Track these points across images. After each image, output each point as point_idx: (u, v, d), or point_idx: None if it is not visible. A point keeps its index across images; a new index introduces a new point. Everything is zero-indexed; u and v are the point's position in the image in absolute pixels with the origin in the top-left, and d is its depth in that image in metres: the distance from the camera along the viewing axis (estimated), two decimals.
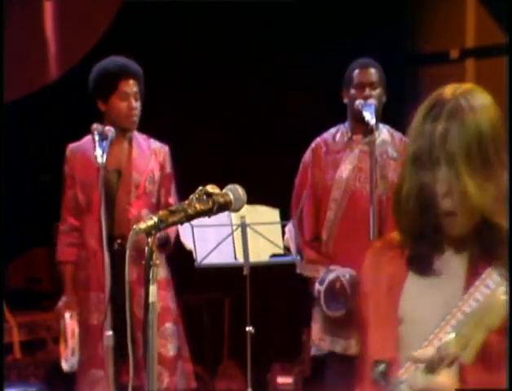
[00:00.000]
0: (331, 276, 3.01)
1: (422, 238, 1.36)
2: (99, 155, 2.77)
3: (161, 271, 3.02)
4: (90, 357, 2.90)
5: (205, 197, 1.36)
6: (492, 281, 1.29)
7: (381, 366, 1.32)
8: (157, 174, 3.06)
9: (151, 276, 1.23)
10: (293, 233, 3.01)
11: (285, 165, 3.25)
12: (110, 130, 2.85)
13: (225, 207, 1.39)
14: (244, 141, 4.63)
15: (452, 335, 1.22)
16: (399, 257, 1.40)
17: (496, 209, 1.30)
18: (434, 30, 5.31)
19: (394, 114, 3.21)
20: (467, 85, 1.40)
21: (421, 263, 1.37)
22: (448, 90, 1.38)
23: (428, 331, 1.29)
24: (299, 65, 4.54)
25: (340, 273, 2.99)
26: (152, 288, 1.21)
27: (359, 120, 3.02)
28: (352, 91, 3.07)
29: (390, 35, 4.87)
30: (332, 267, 3.04)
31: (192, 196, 1.36)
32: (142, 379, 1.43)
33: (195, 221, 2.72)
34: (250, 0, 4.30)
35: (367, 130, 2.95)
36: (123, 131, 3.00)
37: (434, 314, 1.30)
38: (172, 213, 1.31)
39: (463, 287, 1.33)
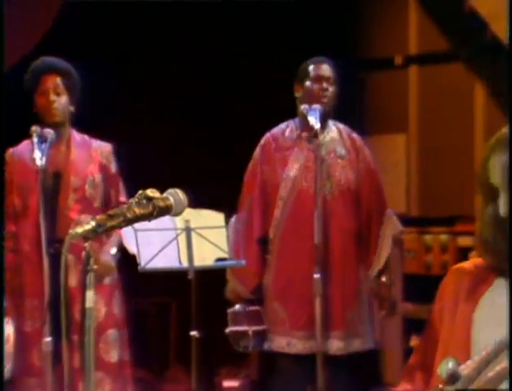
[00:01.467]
0: (236, 327, 3.03)
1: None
2: (38, 158, 2.72)
3: (108, 277, 2.98)
4: (23, 364, 2.84)
5: (144, 201, 1.35)
6: None
7: (451, 363, 1.27)
8: (99, 177, 3.00)
9: (88, 281, 1.21)
10: (233, 230, 3.02)
11: (231, 169, 3.25)
12: (49, 132, 2.80)
13: (165, 211, 1.38)
14: (189, 144, 4.62)
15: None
16: (478, 281, 1.46)
17: None
18: (378, 37, 5.40)
19: (339, 119, 3.25)
20: None
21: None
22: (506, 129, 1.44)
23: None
24: (246, 67, 4.56)
25: (248, 327, 3.02)
26: (89, 294, 1.20)
27: (305, 122, 3.05)
28: (308, 83, 3.08)
29: (335, 41, 4.93)
30: (249, 308, 3.07)
31: (131, 200, 1.35)
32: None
33: (138, 225, 2.76)
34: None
35: (312, 130, 2.98)
36: (58, 131, 2.93)
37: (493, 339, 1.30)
38: (111, 217, 1.30)
39: None
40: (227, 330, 3.09)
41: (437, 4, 5.14)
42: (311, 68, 3.11)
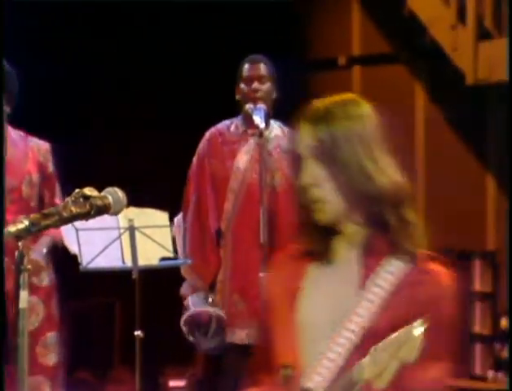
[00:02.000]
0: (200, 308, 3.03)
1: (313, 232, 1.43)
2: None
3: (45, 278, 2.92)
4: None
5: (81, 200, 1.33)
6: (392, 266, 1.37)
7: (286, 371, 1.37)
8: (36, 176, 2.92)
9: (21, 281, 1.19)
10: (182, 229, 3.00)
11: (176, 166, 3.24)
12: None
13: (103, 210, 1.36)
14: (131, 142, 4.59)
15: (367, 360, 1.27)
16: (298, 265, 1.46)
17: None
18: (322, 37, 5.46)
19: (284, 119, 3.28)
20: (340, 96, 1.49)
21: (318, 256, 1.43)
22: (321, 100, 1.47)
23: (317, 338, 1.36)
24: (187, 66, 4.55)
25: (212, 310, 3.01)
26: (23, 294, 1.18)
27: (249, 121, 3.06)
28: (242, 85, 3.10)
29: (280, 42, 4.96)
30: (210, 298, 3.06)
31: (67, 199, 1.33)
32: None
33: (80, 225, 2.72)
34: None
35: (257, 129, 2.99)
36: None
37: (324, 322, 1.37)
38: (45, 216, 1.28)
39: (358, 281, 1.39)
40: (186, 315, 3.05)
41: (378, 7, 5.23)
42: (243, 69, 3.13)
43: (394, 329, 1.30)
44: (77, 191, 1.34)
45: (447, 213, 4.99)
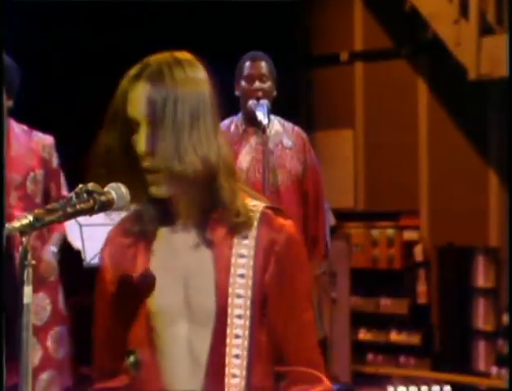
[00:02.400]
0: None
1: (148, 208, 1.33)
2: None
3: (52, 274, 2.92)
4: None
5: (85, 195, 1.32)
6: (243, 233, 1.29)
7: (132, 357, 1.32)
8: (40, 172, 2.90)
9: (25, 277, 1.19)
10: None
11: None
12: None
13: (107, 205, 1.35)
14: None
15: None
16: (136, 247, 1.36)
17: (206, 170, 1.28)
18: (325, 33, 5.45)
19: (287, 114, 3.27)
20: (184, 55, 1.35)
21: (153, 238, 1.34)
22: (156, 57, 1.33)
23: (172, 319, 1.30)
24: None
25: None
26: (27, 289, 1.17)
27: (252, 118, 3.06)
28: (243, 83, 3.09)
29: (283, 37, 4.95)
30: None
31: (71, 194, 1.32)
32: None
33: (83, 221, 2.71)
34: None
35: (260, 125, 2.99)
36: None
37: (176, 301, 1.31)
38: (49, 211, 1.27)
39: (210, 257, 1.31)
40: None
41: (380, 2, 5.22)
42: (244, 66, 3.11)
43: (266, 288, 1.30)
44: (80, 186, 1.33)
45: (450, 209, 4.99)
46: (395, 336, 5.13)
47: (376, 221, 5.27)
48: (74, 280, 3.18)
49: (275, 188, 3.05)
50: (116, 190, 1.35)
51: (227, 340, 1.28)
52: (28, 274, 1.17)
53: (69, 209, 1.29)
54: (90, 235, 2.82)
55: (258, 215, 1.33)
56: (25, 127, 2.93)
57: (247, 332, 1.29)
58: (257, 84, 3.06)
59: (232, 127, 3.18)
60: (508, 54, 4.12)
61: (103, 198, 1.33)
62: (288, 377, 1.34)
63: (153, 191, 1.31)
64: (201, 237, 1.33)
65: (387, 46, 5.22)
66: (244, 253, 1.30)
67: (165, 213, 1.35)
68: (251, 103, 3.06)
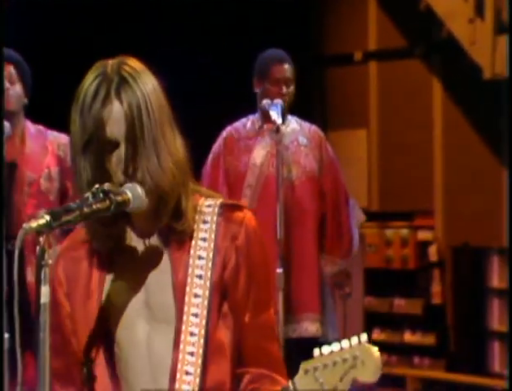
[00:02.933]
0: None
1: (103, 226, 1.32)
2: None
3: None
4: None
5: (101, 195, 1.33)
6: (202, 232, 1.30)
7: (85, 368, 1.31)
8: (55, 170, 2.93)
9: (42, 276, 1.19)
10: None
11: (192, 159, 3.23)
12: (6, 126, 2.74)
13: (123, 205, 1.36)
14: None
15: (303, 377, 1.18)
16: (92, 253, 1.36)
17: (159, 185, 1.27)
18: (339, 33, 5.44)
19: (300, 114, 3.27)
20: (133, 62, 1.32)
21: (107, 254, 1.33)
22: (109, 66, 1.30)
23: (132, 321, 1.30)
24: (204, 62, 4.55)
25: None
26: (44, 289, 1.18)
27: (267, 116, 3.05)
28: (267, 85, 3.07)
29: (297, 36, 4.95)
30: None
31: (88, 194, 1.33)
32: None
33: None
34: None
35: (274, 124, 2.98)
36: (12, 122, 2.83)
37: (136, 302, 1.30)
38: (66, 211, 1.27)
39: (167, 261, 1.31)
40: None
41: (394, 1, 5.20)
42: (271, 69, 3.10)
43: (226, 283, 1.30)
44: (96, 186, 1.34)
45: (464, 209, 4.96)
46: (409, 337, 5.10)
47: (390, 221, 5.25)
48: None
49: (290, 183, 3.04)
50: (133, 190, 1.35)
51: (182, 337, 1.28)
52: (45, 273, 1.18)
53: (86, 209, 1.29)
54: None
55: (214, 216, 1.33)
56: (41, 127, 2.96)
57: (203, 331, 1.28)
58: (284, 89, 3.06)
59: (249, 124, 3.18)
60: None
61: (119, 198, 1.33)
62: (244, 378, 1.33)
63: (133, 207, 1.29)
64: (158, 239, 1.34)
65: (401, 46, 5.20)
66: (202, 255, 1.31)
67: (120, 220, 1.34)
68: (265, 102, 3.05)
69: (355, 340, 1.18)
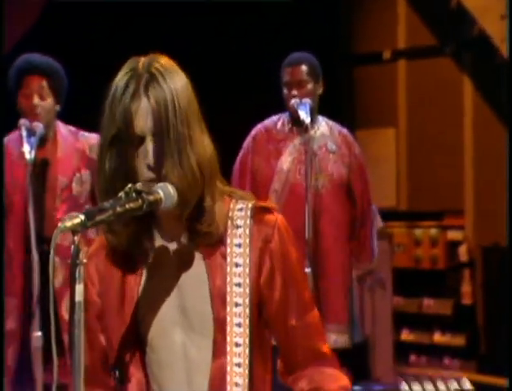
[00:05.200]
0: None
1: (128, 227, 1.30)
2: (27, 152, 2.67)
3: None
4: None
5: (134, 195, 1.34)
6: (237, 239, 1.30)
7: (118, 372, 1.31)
8: (86, 173, 2.93)
9: (77, 275, 1.20)
10: None
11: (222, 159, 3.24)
12: (38, 126, 2.75)
13: (155, 205, 1.37)
14: None
15: None
16: (126, 257, 1.35)
17: (187, 188, 1.27)
18: (367, 31, 5.41)
19: (329, 113, 3.26)
20: (165, 60, 1.32)
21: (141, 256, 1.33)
22: (140, 63, 1.30)
23: (167, 327, 1.29)
24: (234, 60, 4.56)
25: None
26: (79, 287, 1.19)
27: (296, 117, 3.05)
28: (283, 89, 3.09)
29: (325, 35, 4.93)
30: None
31: (121, 194, 1.34)
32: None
33: None
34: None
35: (303, 124, 2.97)
36: (46, 128, 2.85)
37: (171, 309, 1.30)
38: (100, 211, 1.29)
39: (202, 268, 1.31)
40: None
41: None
42: (284, 72, 3.10)
43: (263, 294, 1.29)
44: (129, 185, 1.35)
45: (495, 208, 4.90)
46: (438, 338, 5.06)
47: (419, 221, 5.21)
48: None
49: (316, 191, 3.03)
50: (164, 189, 1.36)
51: (228, 349, 1.28)
52: (79, 272, 1.19)
53: (119, 209, 1.30)
54: None
55: (247, 219, 1.32)
56: (72, 128, 2.97)
57: (247, 340, 1.28)
58: (294, 92, 3.05)
59: (279, 124, 3.18)
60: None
61: (151, 197, 1.34)
62: (300, 382, 1.32)
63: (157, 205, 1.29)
64: (188, 241, 1.33)
65: (431, 44, 5.16)
66: (239, 262, 1.30)
67: (153, 225, 1.35)
68: (293, 101, 3.05)
69: (455, 385, 1.17)
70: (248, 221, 1.32)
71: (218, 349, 1.29)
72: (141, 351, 1.32)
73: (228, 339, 1.28)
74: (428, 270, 5.16)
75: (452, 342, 5.00)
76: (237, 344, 1.28)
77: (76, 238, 1.21)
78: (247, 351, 1.28)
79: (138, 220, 1.31)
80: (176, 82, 1.30)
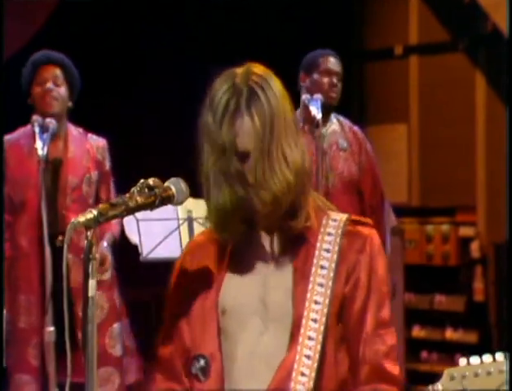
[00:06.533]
0: None
1: (234, 224, 1.38)
2: (40, 148, 2.68)
3: (107, 272, 2.97)
4: (16, 361, 2.81)
5: (146, 190, 1.35)
6: (326, 243, 1.36)
7: (203, 361, 1.36)
8: (95, 174, 2.96)
9: (90, 270, 1.21)
10: None
11: None
12: (51, 122, 2.76)
13: (167, 200, 1.38)
14: (187, 134, 4.62)
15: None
16: (219, 251, 1.42)
17: (280, 195, 1.33)
18: (379, 27, 5.39)
19: (340, 109, 3.25)
20: (259, 68, 1.39)
21: (238, 248, 1.40)
22: (238, 77, 1.36)
23: (246, 318, 1.35)
24: (246, 58, 4.55)
25: None
26: (92, 282, 1.20)
27: (307, 113, 3.04)
28: (316, 75, 3.05)
29: (337, 31, 4.92)
30: None
31: (133, 189, 1.35)
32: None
33: (140, 215, 2.75)
34: None
35: (314, 120, 2.96)
36: (58, 124, 2.85)
37: (252, 300, 1.36)
38: (112, 206, 1.30)
39: (290, 266, 1.37)
40: None
41: None
42: (320, 60, 3.07)
43: (345, 301, 1.34)
44: (141, 181, 1.37)
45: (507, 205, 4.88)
46: (450, 334, 5.05)
47: (431, 217, 5.19)
48: (130, 274, 3.23)
49: (327, 190, 3.03)
50: (176, 185, 1.37)
51: (300, 339, 1.32)
52: (92, 267, 1.20)
53: (131, 204, 1.31)
54: (147, 230, 2.86)
55: (339, 230, 1.39)
56: (81, 130, 3.00)
57: (320, 337, 1.33)
58: (334, 80, 3.04)
59: None
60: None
61: (163, 193, 1.35)
62: None
63: (260, 207, 1.35)
64: (282, 242, 1.39)
65: (444, 39, 5.13)
66: (324, 265, 1.36)
67: (246, 221, 1.40)
68: (304, 97, 3.04)
69: (497, 355, 1.20)
70: (340, 231, 1.39)
71: (294, 341, 1.33)
72: (219, 341, 1.37)
73: (302, 330, 1.33)
74: (440, 266, 5.14)
75: (464, 339, 4.98)
76: (310, 338, 1.32)
77: (89, 233, 1.22)
78: (318, 347, 1.32)
79: (248, 219, 1.38)
80: (274, 94, 1.36)
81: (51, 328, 2.63)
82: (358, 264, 1.37)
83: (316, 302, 1.34)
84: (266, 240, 1.40)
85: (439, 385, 1.23)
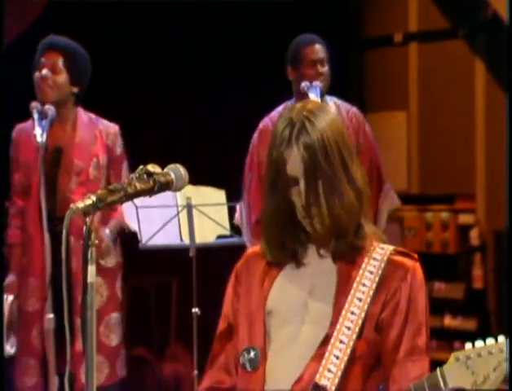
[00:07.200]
0: None
1: (286, 242, 1.53)
2: (39, 135, 2.68)
3: (111, 259, 2.96)
4: (22, 344, 2.82)
5: (145, 176, 1.35)
6: (370, 265, 1.48)
7: (253, 353, 1.47)
8: (103, 158, 2.95)
9: (89, 256, 1.21)
10: (243, 213, 3.02)
11: (231, 145, 3.24)
12: (50, 109, 2.76)
13: (166, 186, 1.38)
14: (190, 121, 4.61)
15: (457, 367, 1.34)
16: (267, 264, 1.57)
17: (340, 217, 1.47)
18: (378, 14, 5.36)
19: (340, 96, 3.24)
20: (313, 104, 1.54)
21: (289, 257, 1.54)
22: (294, 111, 1.52)
23: (288, 318, 1.49)
24: (244, 47, 4.54)
25: None
26: (91, 268, 1.20)
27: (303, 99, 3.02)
28: (302, 69, 3.04)
29: (336, 19, 4.90)
30: None
31: (132, 175, 1.35)
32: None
33: (139, 202, 2.75)
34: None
35: None
36: (60, 110, 2.86)
37: (296, 304, 1.50)
38: (111, 192, 1.30)
39: (334, 284, 1.49)
40: None
41: None
42: (303, 52, 3.05)
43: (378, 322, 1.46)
44: (140, 167, 1.37)
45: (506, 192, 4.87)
46: (449, 321, 5.06)
47: (430, 205, 5.19)
48: (129, 262, 3.23)
49: None
50: (175, 171, 1.37)
51: (332, 341, 1.44)
52: (91, 253, 1.20)
53: (130, 190, 1.31)
54: (146, 217, 2.86)
55: (385, 256, 1.49)
56: (92, 115, 3.00)
57: (351, 343, 1.43)
58: (319, 68, 3.02)
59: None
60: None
61: (162, 179, 1.35)
62: None
63: (313, 229, 1.49)
64: (333, 256, 1.51)
65: (443, 27, 5.11)
66: (366, 283, 1.47)
67: (302, 245, 1.54)
68: (304, 85, 3.03)
69: (499, 337, 1.33)
70: (385, 258, 1.49)
71: (326, 341, 1.45)
72: (265, 337, 1.50)
73: (335, 334, 1.45)
74: (439, 253, 5.14)
75: (463, 326, 4.99)
76: (341, 342, 1.44)
77: (88, 219, 1.22)
78: (348, 351, 1.43)
79: (297, 238, 1.52)
80: (323, 126, 1.49)
81: (51, 315, 2.63)
82: (398, 290, 1.47)
83: (353, 313, 1.45)
84: (317, 254, 1.52)
85: (442, 367, 1.32)
